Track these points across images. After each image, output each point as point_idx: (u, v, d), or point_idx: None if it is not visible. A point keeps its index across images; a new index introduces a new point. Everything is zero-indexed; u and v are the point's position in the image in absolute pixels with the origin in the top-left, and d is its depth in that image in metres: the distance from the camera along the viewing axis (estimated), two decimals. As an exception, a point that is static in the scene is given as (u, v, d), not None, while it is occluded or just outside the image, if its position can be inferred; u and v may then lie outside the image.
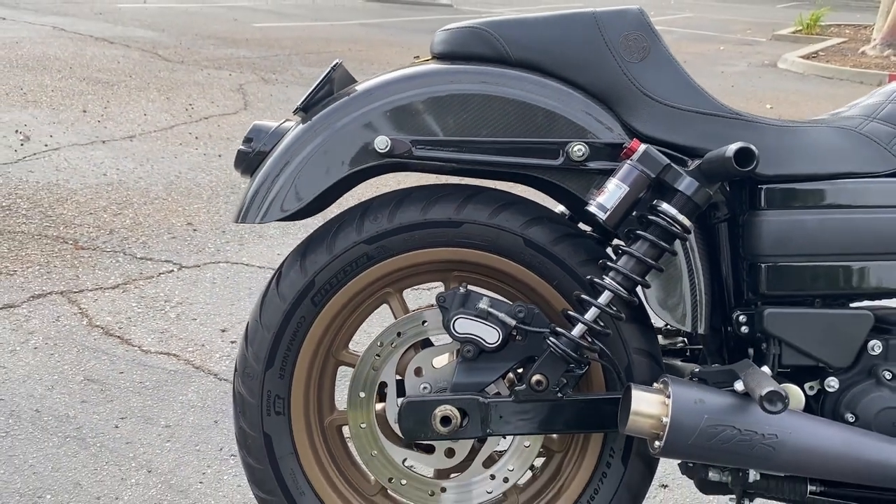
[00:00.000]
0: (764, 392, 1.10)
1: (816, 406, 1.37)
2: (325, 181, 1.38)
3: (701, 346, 1.54)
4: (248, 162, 1.46)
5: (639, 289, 1.35)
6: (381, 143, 1.34)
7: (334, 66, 1.44)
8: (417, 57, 1.56)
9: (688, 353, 1.64)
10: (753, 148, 1.17)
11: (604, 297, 1.29)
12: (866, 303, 1.38)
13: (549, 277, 1.42)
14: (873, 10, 11.10)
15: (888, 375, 1.31)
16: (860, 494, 1.35)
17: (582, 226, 1.55)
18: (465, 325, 1.37)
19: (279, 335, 1.43)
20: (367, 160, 1.37)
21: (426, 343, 1.50)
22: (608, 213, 1.27)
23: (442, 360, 1.45)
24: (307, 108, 1.44)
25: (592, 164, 1.35)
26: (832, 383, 1.34)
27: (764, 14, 15.18)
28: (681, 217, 1.26)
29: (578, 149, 1.33)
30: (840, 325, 1.33)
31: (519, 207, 1.43)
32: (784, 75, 8.97)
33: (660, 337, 1.66)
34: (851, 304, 1.36)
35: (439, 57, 1.46)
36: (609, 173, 1.32)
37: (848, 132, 1.37)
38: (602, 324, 1.31)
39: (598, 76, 1.38)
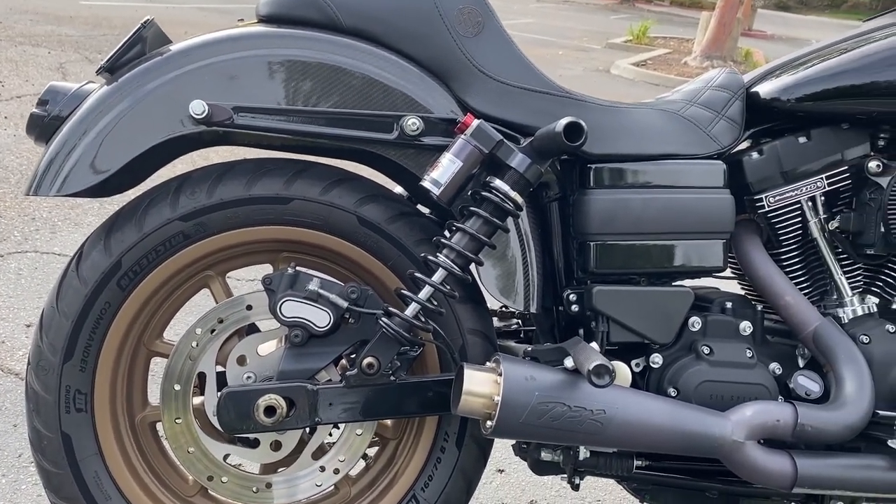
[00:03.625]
0: (592, 366, 1.09)
1: (642, 382, 1.40)
2: (131, 150, 1.24)
3: (535, 328, 1.54)
4: (42, 127, 1.29)
5: (474, 269, 1.32)
6: (198, 107, 1.23)
7: (145, 22, 1.30)
8: (242, 20, 1.45)
9: (522, 335, 1.63)
10: (582, 123, 1.17)
11: (437, 276, 1.25)
12: (687, 281, 1.43)
13: (384, 257, 1.36)
14: (695, 25, 12.00)
15: (706, 350, 1.36)
16: (683, 467, 1.40)
17: (421, 208, 1.51)
18: (294, 309, 1.28)
19: (79, 323, 1.27)
20: (181, 127, 1.25)
21: (254, 329, 1.39)
22: (442, 188, 1.22)
23: (269, 347, 1.35)
24: (113, 69, 1.29)
25: (427, 140, 1.30)
26: (656, 359, 1.38)
27: (599, 23, 16.00)
28: (513, 194, 1.24)
29: (413, 123, 1.28)
30: (663, 302, 1.36)
31: (353, 184, 1.36)
32: (616, 80, 9.47)
33: (495, 319, 1.64)
34: (674, 283, 1.40)
35: (266, 20, 1.36)
36: (443, 149, 1.28)
37: (671, 115, 1.41)
38: (436, 303, 1.27)
39: (432, 49, 1.33)
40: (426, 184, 1.24)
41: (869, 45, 1.43)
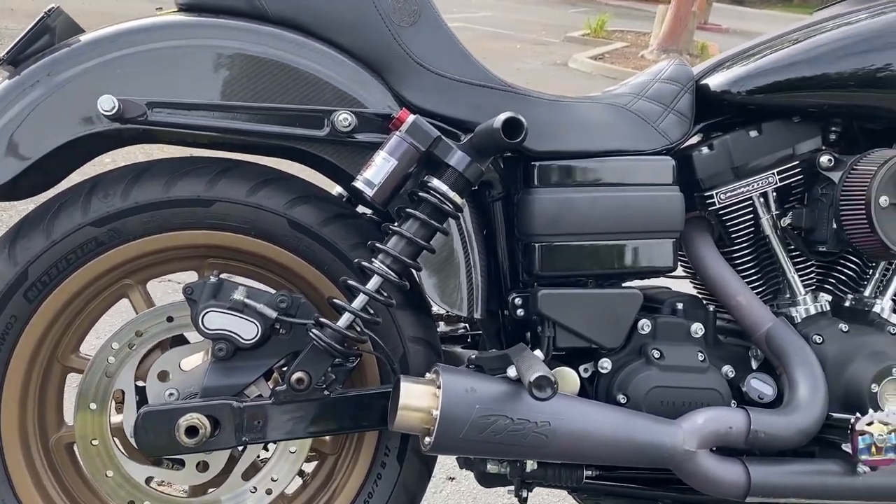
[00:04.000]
0: (533, 378, 1.03)
1: (591, 388, 1.33)
2: (36, 150, 1.14)
3: (481, 332, 1.47)
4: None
5: (417, 273, 1.25)
6: (107, 103, 1.13)
7: (50, 10, 1.20)
8: (160, 8, 1.35)
9: (469, 339, 1.56)
10: (521, 118, 1.10)
11: (372, 283, 1.17)
12: (636, 282, 1.37)
13: (318, 262, 1.27)
14: (652, 19, 12.07)
15: (656, 354, 1.30)
16: (633, 475, 1.34)
17: (362, 209, 1.43)
18: (218, 320, 1.19)
19: (-18, 339, 1.17)
20: (90, 125, 1.15)
21: (182, 341, 1.30)
22: (375, 188, 1.14)
23: (193, 362, 1.26)
24: (16, 62, 1.18)
25: (360, 136, 1.21)
26: (605, 364, 1.32)
27: (558, 17, 16.02)
28: (452, 194, 1.16)
29: (345, 118, 1.20)
30: (611, 305, 1.30)
31: (282, 184, 1.27)
32: (574, 74, 9.47)
33: (441, 323, 1.57)
34: (622, 284, 1.34)
35: (186, 9, 1.26)
36: (379, 146, 1.20)
37: (618, 109, 1.35)
38: (372, 311, 1.19)
39: (365, 40, 1.25)
40: (359, 184, 1.15)
41: (819, 36, 1.38)
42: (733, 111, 1.42)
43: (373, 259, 1.18)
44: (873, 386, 1.29)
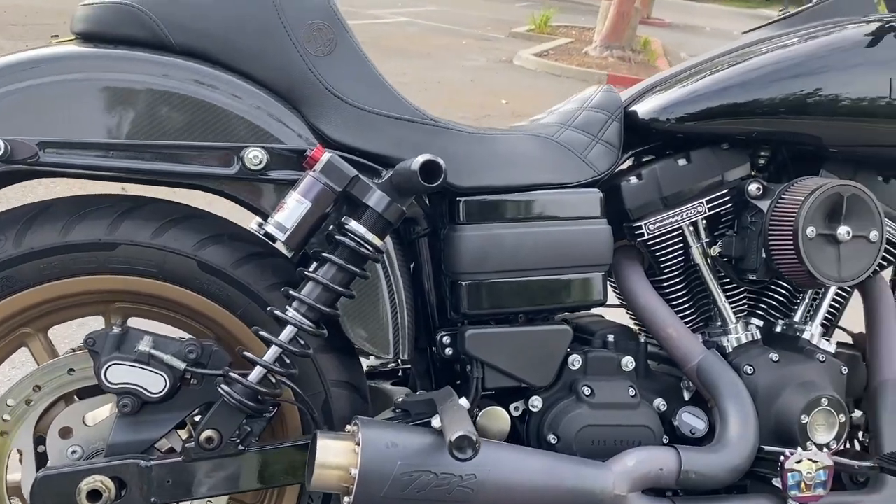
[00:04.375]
0: (454, 437, 0.98)
1: (522, 427, 1.30)
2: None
3: (410, 367, 1.42)
4: None
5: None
6: (-8, 146, 1.04)
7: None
8: (56, 36, 1.26)
9: (399, 374, 1.51)
10: (440, 161, 1.05)
11: (286, 333, 1.10)
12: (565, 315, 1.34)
13: (232, 306, 1.21)
14: (595, 13, 12.13)
15: (587, 391, 1.27)
16: None
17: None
18: (122, 373, 1.12)
19: None
20: (-26, 167, 1.06)
21: (88, 392, 1.22)
22: (288, 233, 1.08)
23: (98, 415, 1.18)
24: None
25: (273, 174, 1.15)
26: (536, 403, 1.28)
27: (503, 11, 16.02)
28: (371, 237, 1.10)
29: (255, 155, 1.13)
30: (541, 342, 1.26)
31: (191, 224, 1.20)
32: (519, 71, 9.46)
33: (371, 358, 1.52)
34: (551, 320, 1.31)
35: (82, 38, 1.18)
36: (292, 182, 1.14)
37: (544, 141, 1.31)
38: (288, 361, 1.12)
39: (278, 70, 1.18)
40: (270, 228, 1.09)
41: (747, 62, 1.36)
42: (662, 139, 1.39)
43: (287, 307, 1.11)
44: (803, 417, 1.28)
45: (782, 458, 1.17)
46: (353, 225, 1.11)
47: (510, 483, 1.10)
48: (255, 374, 1.10)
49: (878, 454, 1.33)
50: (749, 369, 1.32)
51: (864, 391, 1.44)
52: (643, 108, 1.38)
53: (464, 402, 1.13)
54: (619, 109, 1.37)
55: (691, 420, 1.31)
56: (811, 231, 1.26)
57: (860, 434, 1.48)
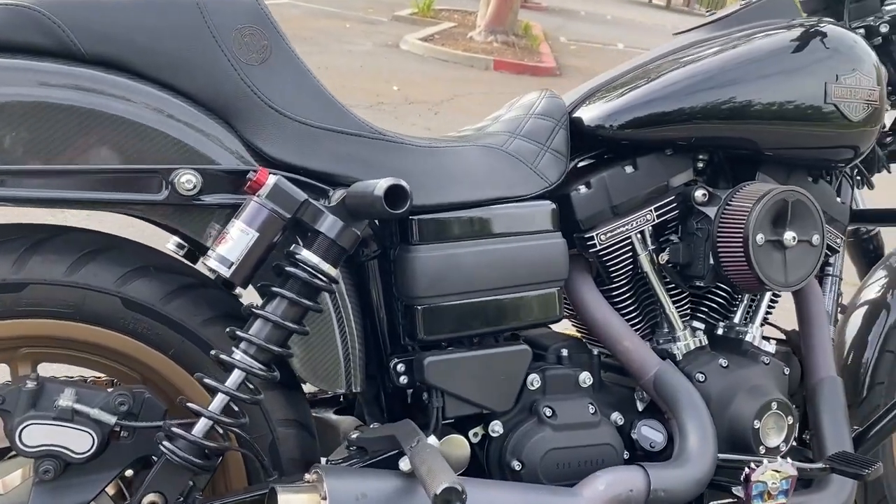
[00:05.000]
0: (439, 490, 0.90)
1: (482, 453, 1.24)
2: None
3: (357, 395, 1.33)
4: None
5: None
6: None
7: None
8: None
9: (342, 399, 1.42)
10: (405, 185, 0.96)
11: (233, 379, 0.99)
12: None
13: (163, 346, 1.08)
14: (478, -3, 12.16)
15: (548, 413, 1.23)
16: None
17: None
18: (41, 434, 0.97)
19: None
20: None
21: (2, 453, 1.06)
22: (234, 267, 0.96)
23: (11, 482, 1.03)
24: None
25: (208, 199, 1.03)
26: (496, 427, 1.22)
27: (384, -7, 15.81)
28: (325, 266, 1.00)
29: (188, 180, 1.00)
30: (502, 364, 1.21)
31: (113, 255, 1.06)
32: (406, 56, 9.35)
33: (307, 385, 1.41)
34: (509, 340, 1.25)
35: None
36: (232, 208, 1.02)
37: (496, 152, 1.24)
38: (236, 409, 1.01)
39: (206, 81, 1.06)
40: (212, 263, 0.97)
41: (686, 68, 1.35)
42: (606, 145, 1.36)
43: (233, 349, 1.00)
44: (755, 423, 1.29)
45: (747, 469, 1.18)
46: (305, 254, 1.00)
47: (484, 522, 1.04)
48: (201, 426, 0.98)
49: (823, 453, 1.36)
50: (701, 377, 1.32)
51: (799, 388, 1.48)
52: (588, 115, 1.34)
53: (433, 440, 1.06)
54: (564, 116, 1.33)
55: (650, 433, 1.29)
56: (760, 238, 1.26)
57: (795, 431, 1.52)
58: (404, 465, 1.01)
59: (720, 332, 1.42)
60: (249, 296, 1.12)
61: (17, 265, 1.00)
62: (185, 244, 1.32)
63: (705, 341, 1.38)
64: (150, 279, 1.06)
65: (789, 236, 1.27)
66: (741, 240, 1.27)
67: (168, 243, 1.35)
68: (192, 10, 1.05)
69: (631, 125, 1.31)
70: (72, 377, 1.19)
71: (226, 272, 0.96)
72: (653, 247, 1.35)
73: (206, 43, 1.05)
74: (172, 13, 1.05)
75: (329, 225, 1.01)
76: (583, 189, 1.30)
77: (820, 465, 1.29)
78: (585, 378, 1.29)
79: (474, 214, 1.18)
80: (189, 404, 0.99)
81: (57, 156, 0.97)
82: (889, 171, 1.65)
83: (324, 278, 1.01)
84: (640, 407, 1.35)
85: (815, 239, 1.30)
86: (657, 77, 1.34)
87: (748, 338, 1.40)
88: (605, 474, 1.17)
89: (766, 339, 1.44)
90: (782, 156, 1.40)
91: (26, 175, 0.96)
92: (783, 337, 1.56)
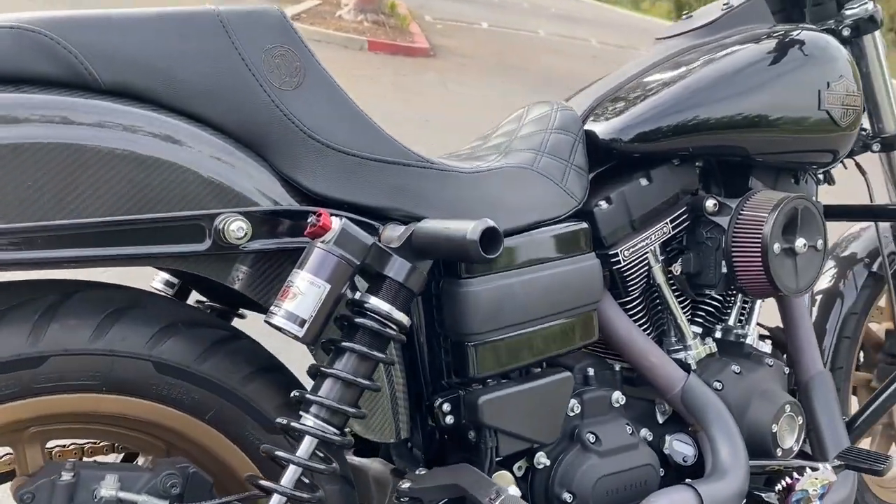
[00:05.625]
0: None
1: (525, 486, 1.19)
2: None
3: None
4: None
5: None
6: None
7: None
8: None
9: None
10: (497, 228, 0.89)
11: (304, 449, 0.88)
12: None
13: (199, 410, 0.96)
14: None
15: (591, 439, 1.20)
16: None
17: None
18: (83, 532, 0.83)
19: None
20: None
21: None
22: (307, 326, 0.86)
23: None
24: None
25: (257, 245, 0.91)
26: (542, 459, 1.18)
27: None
28: (397, 314, 0.92)
29: (238, 227, 0.88)
30: (549, 395, 1.16)
31: (139, 313, 0.92)
32: (278, 37, 9.00)
33: None
34: (550, 368, 1.21)
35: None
36: (272, 254, 0.91)
37: (529, 172, 1.19)
38: (307, 480, 0.91)
39: (237, 110, 0.94)
40: (278, 321, 0.86)
41: (687, 80, 1.34)
42: (619, 159, 1.34)
43: (302, 413, 0.89)
44: (773, 426, 1.32)
45: (789, 479, 1.20)
46: (374, 302, 0.91)
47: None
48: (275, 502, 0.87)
49: (822, 448, 1.42)
50: (718, 385, 1.34)
51: (792, 385, 1.53)
52: (601, 129, 1.31)
53: (514, 490, 1.00)
54: (581, 130, 1.29)
55: (682, 448, 1.29)
56: (777, 247, 1.29)
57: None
58: (487, 517, 0.95)
59: (718, 335, 1.45)
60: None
61: (33, 335, 0.85)
62: (175, 281, 1.19)
63: (715, 348, 1.40)
64: (182, 337, 0.94)
65: (800, 243, 1.31)
66: (759, 249, 1.29)
67: (153, 281, 1.21)
68: (216, 29, 0.93)
69: (645, 138, 1.29)
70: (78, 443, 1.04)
71: (298, 331, 0.85)
72: (663, 258, 1.35)
73: (235, 66, 0.93)
74: (194, 33, 0.92)
75: (398, 268, 0.92)
76: (604, 205, 1.27)
77: (836, 462, 1.34)
78: (618, 398, 1.27)
79: (520, 242, 1.12)
80: (261, 482, 0.87)
81: (82, 206, 0.82)
82: (846, 168, 1.74)
83: (395, 327, 0.92)
84: (660, 420, 1.35)
85: (819, 243, 1.34)
86: (665, 89, 1.33)
87: (748, 340, 1.43)
88: (658, 498, 1.16)
89: (762, 338, 1.49)
90: (775, 161, 1.44)
91: (47, 232, 0.81)
92: (768, 335, 1.61)
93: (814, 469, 1.21)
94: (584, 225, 1.21)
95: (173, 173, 0.87)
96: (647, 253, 1.32)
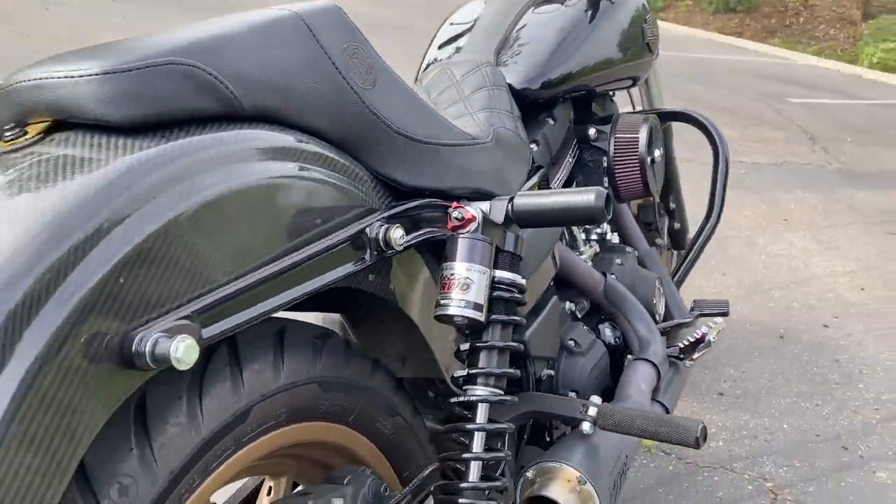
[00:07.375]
0: (699, 432, 1.08)
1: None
2: None
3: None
4: None
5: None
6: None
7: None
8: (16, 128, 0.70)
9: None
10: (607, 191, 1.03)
11: (481, 414, 0.98)
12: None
13: (342, 416, 0.97)
14: None
15: (572, 344, 1.44)
16: None
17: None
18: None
19: None
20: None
21: None
22: (484, 309, 0.93)
23: None
24: None
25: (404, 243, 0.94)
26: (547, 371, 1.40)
27: None
28: (519, 280, 1.03)
29: (399, 233, 0.90)
30: (553, 318, 1.37)
31: (291, 339, 0.90)
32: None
33: None
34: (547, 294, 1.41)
35: (128, 127, 0.71)
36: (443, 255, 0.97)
37: (511, 135, 1.31)
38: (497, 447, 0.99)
39: (337, 115, 0.92)
40: (458, 311, 0.92)
41: (572, 32, 1.57)
42: (527, 105, 1.53)
43: (468, 388, 0.98)
44: (654, 299, 1.71)
45: (699, 333, 1.59)
46: (500, 274, 1.01)
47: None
48: (474, 470, 0.96)
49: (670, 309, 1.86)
50: (613, 276, 1.67)
51: None
52: (513, 79, 1.48)
53: (596, 398, 1.19)
54: (505, 81, 1.45)
55: (611, 332, 1.60)
56: (649, 159, 1.62)
57: None
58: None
59: (594, 237, 1.75)
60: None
61: (234, 391, 0.79)
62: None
63: (598, 248, 1.72)
64: (326, 351, 0.94)
65: (657, 154, 1.66)
66: (637, 162, 1.61)
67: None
68: (304, 32, 0.89)
69: (550, 84, 1.50)
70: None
71: (480, 316, 0.93)
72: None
73: (327, 70, 0.91)
74: (289, 40, 0.87)
75: (510, 241, 1.02)
76: (534, 147, 1.47)
77: (696, 312, 1.78)
78: (570, 306, 1.52)
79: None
80: (463, 455, 0.95)
81: (271, 245, 0.78)
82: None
83: (520, 293, 1.03)
84: (579, 315, 1.64)
85: (661, 151, 1.72)
86: (553, 37, 1.54)
87: (608, 237, 1.78)
88: (635, 377, 1.45)
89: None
90: (609, 88, 1.76)
91: (254, 285, 0.76)
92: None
93: (715, 324, 1.61)
94: (543, 168, 1.40)
95: (327, 193, 0.85)
96: (563, 183, 1.55)
